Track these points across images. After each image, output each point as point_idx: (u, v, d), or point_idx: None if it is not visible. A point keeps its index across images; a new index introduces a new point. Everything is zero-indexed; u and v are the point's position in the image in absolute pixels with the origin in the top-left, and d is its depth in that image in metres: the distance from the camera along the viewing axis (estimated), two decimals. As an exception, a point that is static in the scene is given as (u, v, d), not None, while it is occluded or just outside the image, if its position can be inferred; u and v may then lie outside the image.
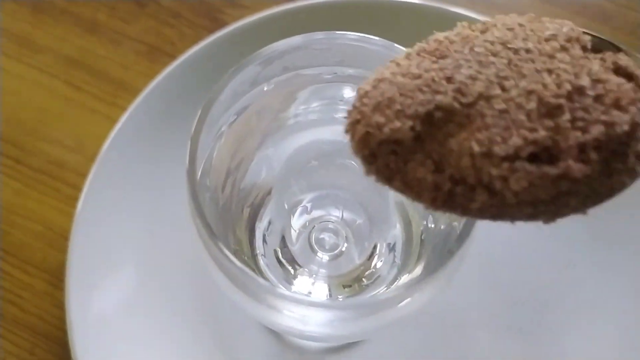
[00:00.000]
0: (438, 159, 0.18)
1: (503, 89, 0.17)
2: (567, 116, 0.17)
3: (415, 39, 0.20)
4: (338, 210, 0.30)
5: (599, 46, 0.19)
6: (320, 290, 0.29)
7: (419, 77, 0.18)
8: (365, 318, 0.23)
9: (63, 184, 0.38)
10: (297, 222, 0.30)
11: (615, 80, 0.17)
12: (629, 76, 0.18)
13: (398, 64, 0.19)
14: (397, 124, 0.17)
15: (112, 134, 0.35)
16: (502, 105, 0.17)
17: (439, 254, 0.24)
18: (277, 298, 0.22)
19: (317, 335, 0.24)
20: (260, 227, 0.30)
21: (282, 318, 0.23)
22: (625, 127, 0.17)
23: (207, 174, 0.25)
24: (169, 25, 0.42)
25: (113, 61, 0.41)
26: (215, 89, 0.24)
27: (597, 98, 0.17)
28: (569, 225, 0.32)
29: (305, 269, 0.29)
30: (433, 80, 0.18)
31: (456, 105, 0.17)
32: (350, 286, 0.29)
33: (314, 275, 0.29)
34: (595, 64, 0.18)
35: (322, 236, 0.30)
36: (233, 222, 0.28)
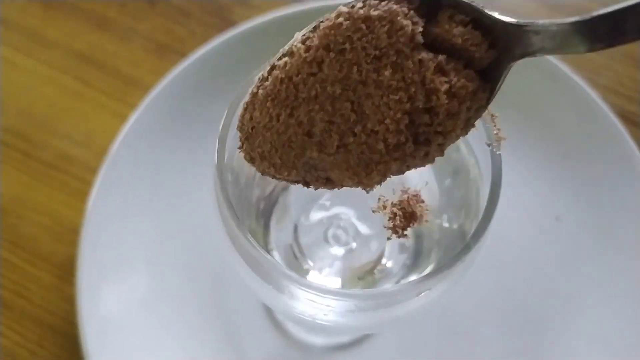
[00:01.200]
0: (324, 178, 0.21)
1: (354, 134, 0.20)
2: (409, 146, 0.19)
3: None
4: (353, 208, 0.31)
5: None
6: (333, 284, 0.30)
7: (283, 132, 0.20)
8: (385, 309, 0.23)
9: (72, 178, 0.38)
10: (313, 217, 0.31)
11: (444, 86, 0.19)
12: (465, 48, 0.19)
13: (256, 118, 0.21)
14: (285, 173, 0.21)
15: (123, 131, 0.35)
16: (359, 150, 0.20)
17: (451, 254, 0.25)
18: (300, 287, 0.22)
19: (335, 326, 0.25)
20: (275, 221, 0.30)
21: (304, 307, 0.24)
22: (459, 132, 0.19)
23: (228, 169, 0.26)
24: (179, 23, 0.42)
25: (123, 58, 0.41)
26: (240, 88, 0.24)
27: (432, 112, 0.19)
28: (574, 230, 0.34)
29: (318, 264, 0.30)
30: (297, 137, 0.20)
31: (323, 155, 0.20)
32: (363, 279, 0.30)
33: (327, 270, 0.30)
34: (428, 67, 0.19)
35: (336, 232, 0.31)
36: (249, 214, 0.29)
